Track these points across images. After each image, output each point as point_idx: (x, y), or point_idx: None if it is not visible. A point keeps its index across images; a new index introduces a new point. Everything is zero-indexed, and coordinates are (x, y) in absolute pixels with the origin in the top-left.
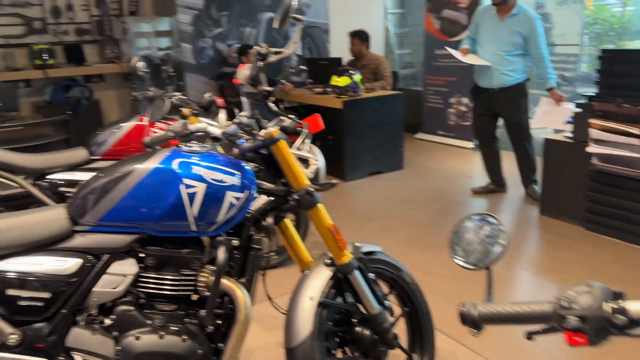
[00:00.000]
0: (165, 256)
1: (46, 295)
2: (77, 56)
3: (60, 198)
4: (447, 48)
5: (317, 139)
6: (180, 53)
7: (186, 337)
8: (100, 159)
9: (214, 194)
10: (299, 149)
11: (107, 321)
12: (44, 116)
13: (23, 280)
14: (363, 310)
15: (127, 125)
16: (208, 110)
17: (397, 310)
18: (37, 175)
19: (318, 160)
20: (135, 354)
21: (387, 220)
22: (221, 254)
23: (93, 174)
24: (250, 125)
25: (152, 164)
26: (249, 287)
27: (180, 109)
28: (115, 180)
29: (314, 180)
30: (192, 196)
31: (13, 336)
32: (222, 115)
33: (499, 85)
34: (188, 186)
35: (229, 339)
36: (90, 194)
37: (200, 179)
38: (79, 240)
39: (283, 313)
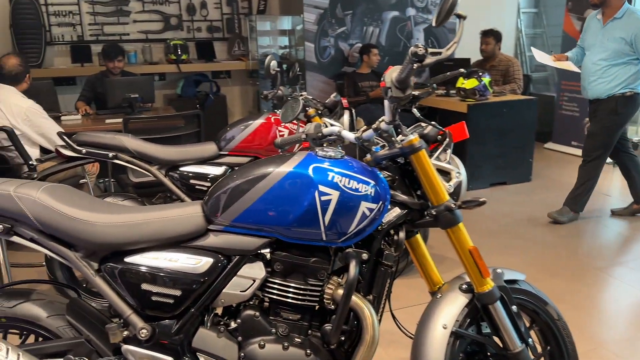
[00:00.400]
0: (292, 263)
1: (177, 292)
2: (208, 52)
3: (189, 189)
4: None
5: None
6: (301, 52)
7: (310, 352)
8: (228, 154)
9: (348, 203)
10: (439, 159)
11: (233, 324)
12: (174, 108)
13: (156, 276)
14: (501, 345)
15: (255, 123)
16: (333, 111)
17: (538, 348)
18: (170, 166)
19: (460, 173)
20: None
21: (509, 238)
22: (352, 267)
23: (221, 168)
24: (389, 132)
25: (288, 167)
26: (376, 305)
27: (305, 108)
28: (250, 181)
29: (454, 195)
30: (325, 204)
31: (144, 330)
32: (347, 116)
33: (593, 97)
34: (322, 193)
35: (353, 359)
36: (226, 194)
37: (335, 186)
38: (212, 240)
39: (409, 337)
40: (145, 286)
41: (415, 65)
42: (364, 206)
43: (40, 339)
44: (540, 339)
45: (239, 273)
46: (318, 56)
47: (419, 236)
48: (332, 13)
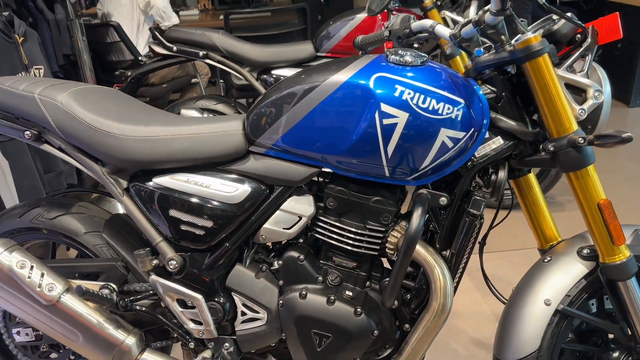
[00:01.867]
0: (349, 200)
1: (208, 223)
2: None
3: None
4: None
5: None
6: None
7: (361, 311)
8: (326, 55)
9: (421, 130)
10: (572, 69)
11: (275, 265)
12: (296, 2)
13: (185, 202)
14: (629, 332)
15: (358, 18)
16: (456, 2)
17: None
18: (262, 68)
19: (602, 91)
20: (297, 315)
21: None
22: (416, 215)
23: None
24: (497, 28)
25: (344, 76)
26: (455, 265)
27: None
28: (299, 93)
29: (588, 123)
30: (389, 129)
31: (173, 261)
32: (473, 9)
33: None
34: (385, 114)
35: (415, 327)
36: (270, 108)
37: (403, 105)
38: (252, 164)
39: (503, 302)
40: (173, 212)
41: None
42: (445, 134)
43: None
44: None
45: (282, 207)
46: None
47: (531, 176)
48: None
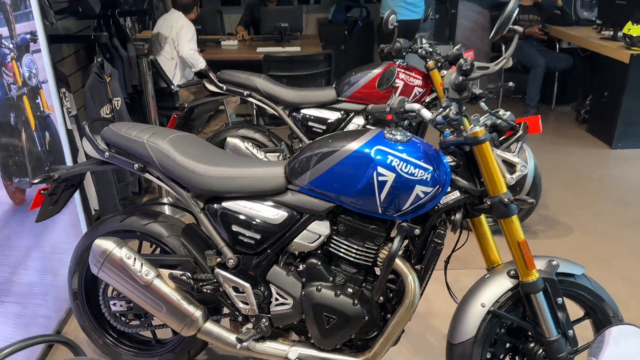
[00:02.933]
0: (353, 227)
1: (257, 236)
2: None
3: (307, 130)
4: None
5: (592, 93)
6: None
7: (357, 302)
8: (345, 100)
9: (403, 185)
10: (509, 149)
11: (300, 267)
12: (322, 32)
13: (243, 220)
14: (538, 330)
15: (373, 73)
16: (452, 64)
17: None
18: (293, 107)
19: (527, 166)
20: (313, 303)
21: None
22: (397, 240)
23: (337, 113)
24: (458, 120)
25: (355, 146)
26: (423, 275)
27: (426, 60)
28: (325, 153)
29: (517, 186)
30: (382, 183)
31: (231, 260)
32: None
33: None
34: (380, 174)
35: (393, 316)
36: (304, 161)
37: (392, 169)
38: (289, 197)
39: (457, 303)
40: (234, 227)
41: (461, 78)
42: (419, 189)
43: (158, 250)
44: (594, 330)
45: (308, 228)
46: None
47: (482, 217)
48: None
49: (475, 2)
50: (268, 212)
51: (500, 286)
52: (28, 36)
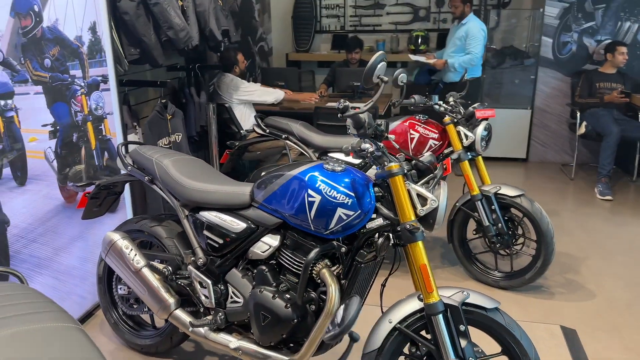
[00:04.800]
0: (297, 241)
1: (221, 241)
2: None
3: None
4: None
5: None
6: (537, 46)
7: (290, 306)
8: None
9: (327, 207)
10: (427, 184)
11: (253, 272)
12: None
13: (211, 227)
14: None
15: (394, 124)
16: (469, 121)
17: None
18: (322, 151)
19: (437, 201)
20: (254, 302)
21: None
22: (316, 250)
23: (359, 160)
24: (383, 156)
25: (297, 172)
26: (346, 290)
27: (445, 115)
28: (276, 177)
29: (430, 219)
30: (311, 203)
31: (200, 259)
32: (481, 128)
33: None
34: (310, 195)
35: (318, 320)
36: (264, 182)
37: (319, 192)
38: (250, 212)
39: None
40: (205, 232)
41: (342, 115)
42: (341, 211)
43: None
44: None
45: (262, 239)
46: (556, 52)
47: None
48: (579, 7)
49: (556, 69)
50: (231, 222)
51: (408, 306)
52: (99, 78)
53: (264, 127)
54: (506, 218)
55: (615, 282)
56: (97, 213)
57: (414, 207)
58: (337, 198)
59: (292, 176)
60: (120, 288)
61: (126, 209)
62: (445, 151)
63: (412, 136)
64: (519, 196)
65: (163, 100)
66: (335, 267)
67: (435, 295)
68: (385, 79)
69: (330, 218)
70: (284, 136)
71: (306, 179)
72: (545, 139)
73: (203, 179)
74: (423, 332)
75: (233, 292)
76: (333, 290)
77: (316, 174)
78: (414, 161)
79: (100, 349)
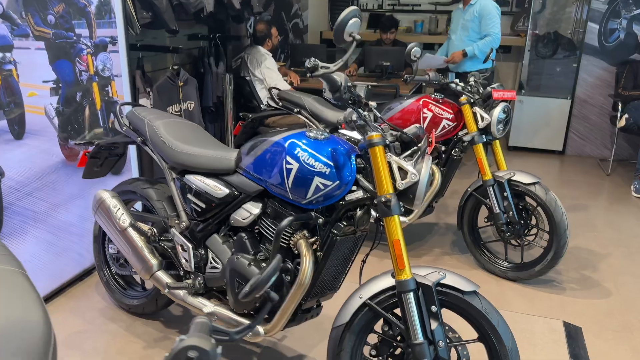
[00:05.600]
0: (277, 210)
1: (203, 205)
2: None
3: None
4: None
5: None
6: (582, 33)
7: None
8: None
9: (304, 175)
10: (410, 158)
11: (234, 239)
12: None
13: (195, 191)
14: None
15: (406, 102)
16: (486, 102)
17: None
18: (333, 127)
19: (417, 175)
20: (230, 268)
21: None
22: (289, 219)
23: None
24: (365, 126)
25: (277, 138)
26: (321, 262)
27: (462, 94)
28: (260, 143)
29: (409, 193)
30: (288, 171)
31: (183, 223)
32: (498, 109)
33: None
34: (288, 162)
35: (290, 290)
36: (248, 149)
37: (297, 159)
38: (234, 178)
39: None
40: (189, 195)
41: (311, 74)
42: (318, 180)
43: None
44: (488, 358)
45: (243, 206)
46: (602, 39)
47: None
48: None
49: (600, 57)
50: (215, 187)
51: (381, 283)
52: (108, 39)
53: (277, 101)
54: (520, 207)
55: (634, 283)
56: (98, 173)
57: (394, 180)
58: (315, 167)
59: (273, 142)
60: (111, 247)
61: (132, 171)
62: (460, 133)
63: (424, 115)
64: (533, 184)
65: (175, 67)
66: (313, 239)
67: (407, 272)
68: (358, 37)
69: (308, 187)
70: (295, 110)
71: (286, 145)
72: (584, 132)
73: (192, 142)
74: (398, 312)
75: (213, 258)
76: (306, 261)
77: (296, 140)
78: (398, 133)
79: (91, 307)
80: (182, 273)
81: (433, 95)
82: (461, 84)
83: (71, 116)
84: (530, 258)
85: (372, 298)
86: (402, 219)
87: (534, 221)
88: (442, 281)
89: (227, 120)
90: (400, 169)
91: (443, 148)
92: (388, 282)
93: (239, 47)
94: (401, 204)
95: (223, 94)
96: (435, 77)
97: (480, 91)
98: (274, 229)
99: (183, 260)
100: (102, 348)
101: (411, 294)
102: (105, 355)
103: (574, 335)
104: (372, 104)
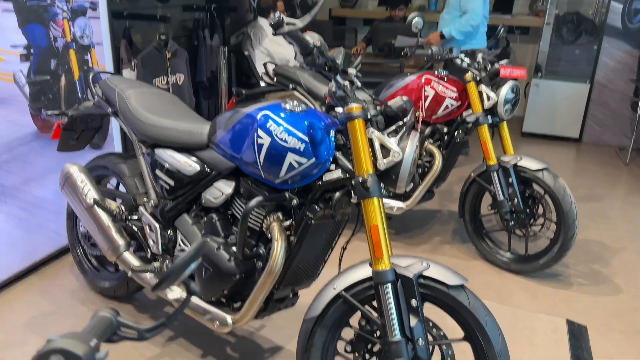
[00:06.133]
0: (250, 190)
1: (172, 182)
2: (505, 5)
3: None
4: None
5: None
6: (604, 13)
7: (232, 260)
8: (379, 103)
9: (276, 151)
10: (395, 133)
11: (204, 219)
12: None
13: (164, 167)
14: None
15: (407, 79)
16: (493, 80)
17: None
18: (329, 105)
19: (400, 154)
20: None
21: None
22: (257, 199)
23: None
24: (345, 97)
25: (249, 109)
26: (295, 248)
27: (468, 71)
28: (231, 115)
29: (392, 174)
30: (260, 146)
31: (152, 201)
32: (506, 87)
33: None
34: (259, 136)
35: (260, 277)
36: (218, 122)
37: (269, 133)
38: (206, 154)
39: None
40: (157, 171)
41: (275, 31)
42: (292, 157)
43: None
44: (474, 355)
45: (215, 184)
46: (625, 20)
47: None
48: None
49: (623, 40)
50: (185, 163)
51: (357, 273)
52: (87, 4)
53: (272, 76)
54: (527, 195)
55: None
56: (75, 147)
57: (375, 159)
58: (289, 142)
59: (245, 114)
60: (82, 225)
61: (114, 146)
62: (464, 114)
63: (426, 94)
64: (541, 170)
65: (162, 36)
66: (288, 223)
67: (386, 262)
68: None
69: (281, 165)
70: (291, 86)
71: (258, 117)
72: (602, 118)
73: (164, 114)
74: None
75: (182, 240)
76: (277, 246)
77: (270, 112)
78: (382, 106)
79: (63, 288)
80: (149, 256)
81: (437, 72)
82: (467, 59)
83: (45, 85)
84: (536, 250)
85: (347, 289)
86: (400, 204)
87: (541, 210)
88: (424, 273)
89: (221, 96)
90: (382, 146)
91: (445, 130)
92: (366, 272)
93: (237, 21)
94: (382, 185)
95: (217, 69)
96: (438, 52)
97: (488, 68)
98: (242, 208)
99: (151, 242)
100: (65, 332)
101: (389, 286)
102: None
103: (577, 334)
104: (352, 71)
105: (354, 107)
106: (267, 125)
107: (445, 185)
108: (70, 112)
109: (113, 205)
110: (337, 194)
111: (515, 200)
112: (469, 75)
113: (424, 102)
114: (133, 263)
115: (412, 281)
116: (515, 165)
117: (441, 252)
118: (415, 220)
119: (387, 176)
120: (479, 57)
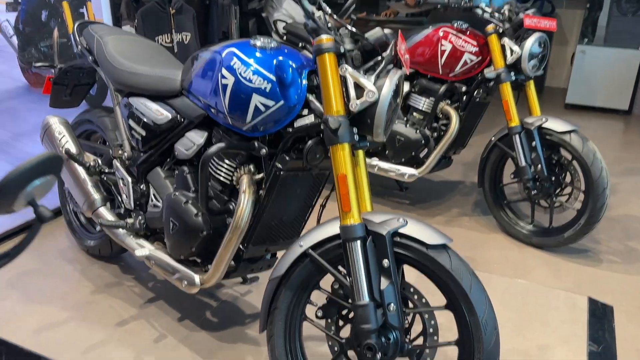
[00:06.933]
0: (220, 139)
1: (143, 133)
2: None
3: None
4: None
5: None
6: None
7: (199, 215)
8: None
9: (241, 91)
10: (372, 71)
11: (175, 173)
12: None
13: (136, 117)
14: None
15: (426, 32)
16: (517, 32)
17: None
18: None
19: (375, 93)
20: (167, 204)
21: None
22: (218, 146)
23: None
24: (318, 29)
25: (217, 47)
26: (263, 202)
27: (489, 23)
28: (200, 55)
29: (367, 118)
30: (224, 87)
31: (126, 153)
32: (532, 40)
33: None
34: (223, 76)
35: (227, 232)
36: (187, 65)
37: (233, 72)
38: (177, 101)
39: None
40: (130, 121)
41: None
42: (257, 99)
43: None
44: (458, 330)
45: (187, 134)
46: None
47: (360, 153)
48: None
49: None
50: (157, 112)
51: (327, 229)
52: None
53: (281, 35)
54: (554, 161)
55: None
56: (69, 103)
57: (348, 100)
58: (253, 81)
59: (211, 53)
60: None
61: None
62: (485, 70)
63: (443, 48)
64: (568, 132)
65: None
66: (260, 176)
67: (355, 216)
68: None
69: (246, 108)
70: (300, 44)
71: (223, 55)
72: None
73: (141, 61)
74: None
75: (154, 194)
76: (244, 199)
77: (236, 49)
78: (358, 40)
79: (53, 247)
80: (122, 211)
81: (457, 24)
82: (488, 9)
83: (35, 37)
84: (561, 223)
85: (315, 247)
86: (412, 171)
87: (568, 178)
88: (400, 230)
89: None
90: (357, 86)
91: (464, 88)
92: (332, 229)
93: None
94: (356, 130)
95: (228, 29)
96: (455, 0)
97: (513, 19)
98: (219, 164)
99: (124, 196)
100: (46, 290)
101: (357, 243)
102: (46, 298)
103: (600, 315)
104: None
105: (324, 38)
106: (232, 64)
107: (471, 154)
108: (59, 64)
109: (90, 158)
110: (310, 142)
111: (539, 166)
112: (490, 27)
113: (441, 57)
114: (108, 218)
115: (385, 238)
116: (539, 128)
117: (458, 224)
118: (433, 190)
119: (361, 120)
120: (505, 8)
